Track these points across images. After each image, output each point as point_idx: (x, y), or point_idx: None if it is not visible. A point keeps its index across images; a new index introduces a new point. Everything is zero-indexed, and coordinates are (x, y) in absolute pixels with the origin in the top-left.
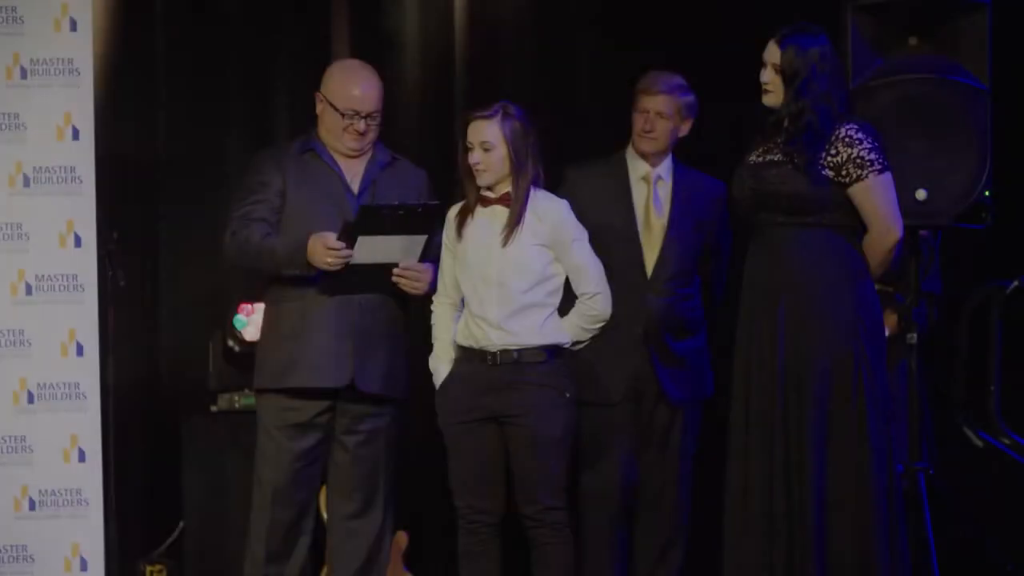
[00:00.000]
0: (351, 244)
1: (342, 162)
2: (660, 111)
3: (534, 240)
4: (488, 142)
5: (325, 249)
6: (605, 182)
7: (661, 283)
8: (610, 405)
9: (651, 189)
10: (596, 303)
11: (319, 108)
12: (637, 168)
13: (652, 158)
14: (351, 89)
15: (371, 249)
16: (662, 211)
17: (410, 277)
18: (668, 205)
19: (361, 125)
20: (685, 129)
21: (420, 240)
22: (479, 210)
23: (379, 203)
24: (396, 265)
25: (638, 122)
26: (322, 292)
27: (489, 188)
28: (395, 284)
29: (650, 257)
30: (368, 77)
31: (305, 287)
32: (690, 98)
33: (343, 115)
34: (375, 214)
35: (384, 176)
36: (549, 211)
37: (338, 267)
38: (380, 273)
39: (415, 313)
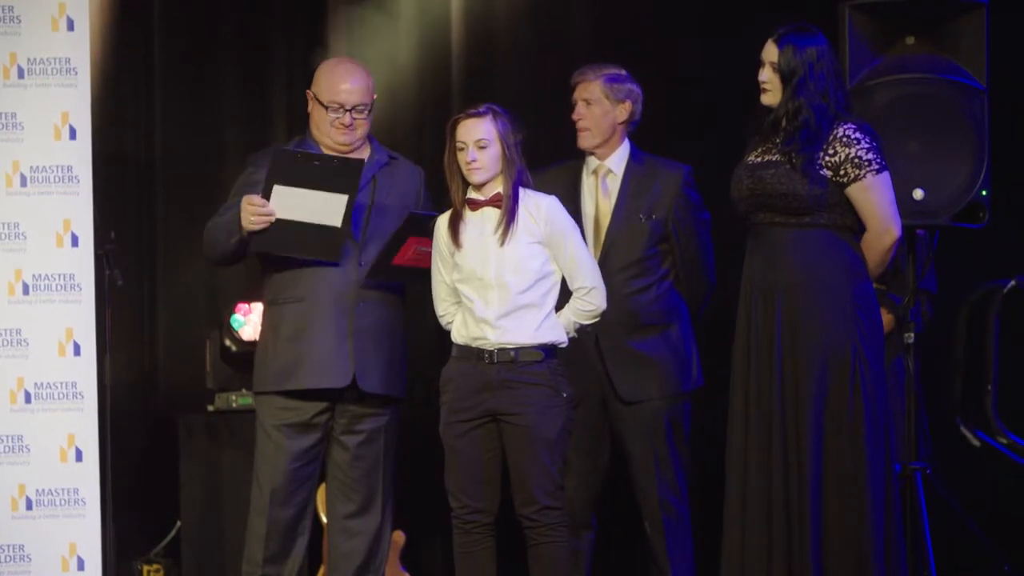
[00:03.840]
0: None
1: None
2: (585, 97)
3: (530, 238)
4: (483, 139)
5: (249, 206)
6: (559, 182)
7: (609, 277)
8: (575, 407)
9: (598, 182)
10: (592, 297)
11: (310, 106)
12: (590, 164)
13: (600, 151)
14: (336, 84)
15: (291, 204)
16: (610, 204)
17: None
18: (615, 197)
19: (347, 119)
20: (623, 114)
21: (342, 200)
22: (468, 214)
23: (293, 149)
24: (325, 227)
25: (574, 116)
26: (323, 288)
27: (478, 190)
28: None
29: (596, 252)
30: (354, 72)
31: (303, 287)
32: (621, 83)
33: (328, 109)
34: (290, 160)
35: (382, 175)
36: (542, 207)
37: (262, 224)
38: (312, 233)
39: (416, 312)
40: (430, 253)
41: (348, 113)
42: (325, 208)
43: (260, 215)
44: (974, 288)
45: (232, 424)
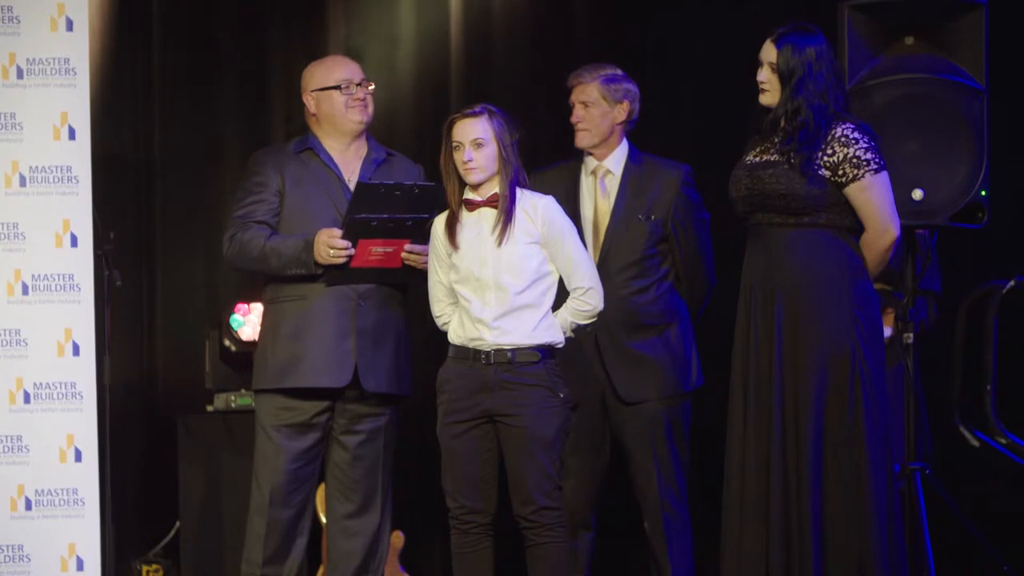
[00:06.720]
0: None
1: (339, 159)
2: (583, 100)
3: (527, 239)
4: (480, 138)
5: (328, 248)
6: (558, 182)
7: (608, 277)
8: (573, 408)
9: (597, 183)
10: (589, 298)
11: (312, 107)
12: (588, 165)
13: (599, 152)
14: (335, 66)
15: None
16: (609, 204)
17: (420, 252)
18: (614, 197)
19: (360, 92)
20: (621, 114)
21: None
22: (466, 215)
23: (375, 181)
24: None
25: (573, 119)
26: (324, 287)
27: (475, 190)
28: (397, 268)
29: (595, 252)
30: (343, 57)
31: (304, 286)
32: (618, 83)
33: (340, 88)
34: (372, 192)
35: (380, 173)
36: (539, 207)
37: (341, 260)
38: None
39: (414, 311)
40: (394, 253)
41: (359, 87)
42: None
43: (342, 255)
44: (973, 288)
45: (231, 424)
